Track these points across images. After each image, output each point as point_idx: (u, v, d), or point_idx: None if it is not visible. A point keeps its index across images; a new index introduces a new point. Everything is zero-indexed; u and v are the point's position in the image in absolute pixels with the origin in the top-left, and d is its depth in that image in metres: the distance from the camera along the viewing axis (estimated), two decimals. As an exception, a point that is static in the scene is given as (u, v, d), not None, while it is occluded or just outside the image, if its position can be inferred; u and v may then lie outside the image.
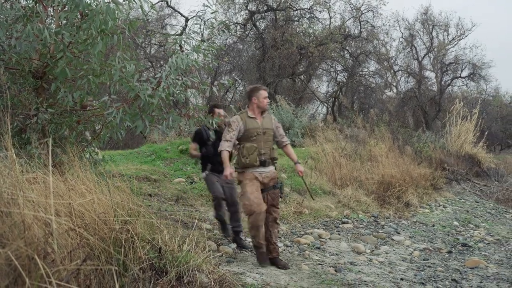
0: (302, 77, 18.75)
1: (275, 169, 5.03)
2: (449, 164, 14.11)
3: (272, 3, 16.80)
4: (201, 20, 4.53)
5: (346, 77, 20.28)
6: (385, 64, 22.56)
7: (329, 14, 17.57)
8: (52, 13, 3.99)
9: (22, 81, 3.96)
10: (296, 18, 17.20)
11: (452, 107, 17.49)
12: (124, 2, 3.71)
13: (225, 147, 4.71)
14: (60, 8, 3.94)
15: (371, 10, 17.15)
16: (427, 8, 25.45)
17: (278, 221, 4.89)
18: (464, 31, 25.20)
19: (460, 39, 25.34)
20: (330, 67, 19.89)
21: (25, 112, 3.86)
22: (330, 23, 17.45)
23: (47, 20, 4.03)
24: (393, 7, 32.68)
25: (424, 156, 13.15)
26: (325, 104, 21.41)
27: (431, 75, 25.33)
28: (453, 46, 25.31)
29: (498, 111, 27.08)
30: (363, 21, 17.68)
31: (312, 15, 17.10)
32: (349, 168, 9.33)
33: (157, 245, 3.22)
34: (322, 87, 22.15)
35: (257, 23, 17.34)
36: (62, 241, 2.33)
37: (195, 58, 3.98)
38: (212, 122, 4.43)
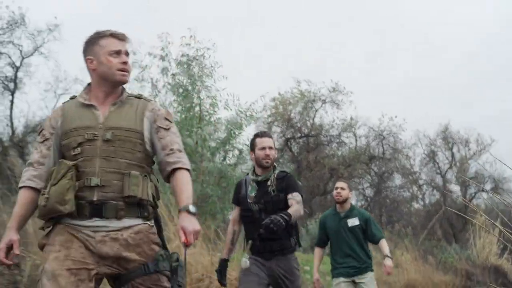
0: (333, 194, 21.98)
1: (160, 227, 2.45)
2: (474, 274, 16.53)
3: (305, 130, 20.69)
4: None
5: (373, 192, 23.50)
6: (410, 178, 25.56)
7: (355, 138, 21.36)
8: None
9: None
10: (326, 143, 21.01)
11: (474, 220, 20.11)
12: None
13: (24, 179, 2.30)
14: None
15: (392, 135, 20.91)
16: (446, 126, 28.59)
17: None
18: (485, 146, 28.10)
19: (481, 154, 28.16)
20: (358, 184, 23.21)
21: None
22: (356, 146, 21.12)
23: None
24: (414, 127, 36.15)
25: (449, 266, 15.75)
26: (356, 218, 24.28)
27: (456, 188, 27.94)
28: (475, 161, 28.09)
29: (529, 223, 29.02)
30: (385, 144, 21.38)
31: (340, 140, 20.95)
32: (379, 273, 12.13)
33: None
34: (352, 202, 25.10)
35: (292, 147, 21.14)
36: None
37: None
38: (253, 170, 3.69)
